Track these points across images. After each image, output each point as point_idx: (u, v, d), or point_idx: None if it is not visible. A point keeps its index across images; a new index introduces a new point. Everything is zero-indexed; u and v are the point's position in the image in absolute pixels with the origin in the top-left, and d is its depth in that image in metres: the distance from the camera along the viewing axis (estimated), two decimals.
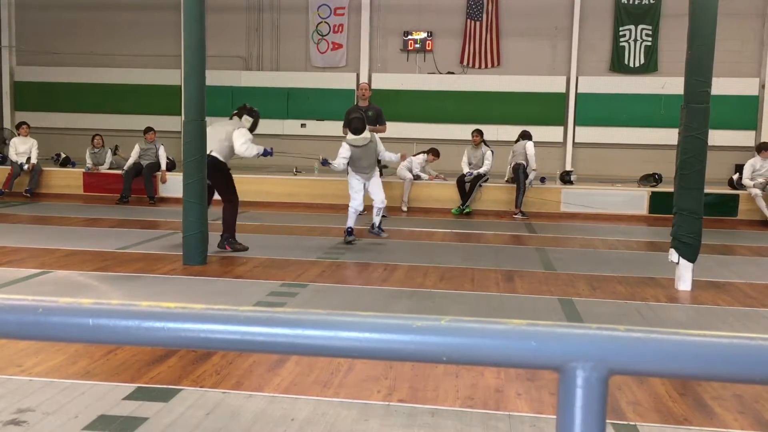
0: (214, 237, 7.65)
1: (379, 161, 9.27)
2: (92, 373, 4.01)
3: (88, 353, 4.30)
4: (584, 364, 1.09)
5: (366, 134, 8.57)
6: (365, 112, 10.94)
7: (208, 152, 7.54)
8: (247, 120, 7.99)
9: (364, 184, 8.68)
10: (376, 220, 8.90)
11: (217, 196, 7.99)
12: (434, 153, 12.36)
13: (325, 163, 8.80)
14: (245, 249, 7.80)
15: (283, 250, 7.96)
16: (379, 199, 8.73)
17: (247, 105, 8.21)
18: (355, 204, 8.60)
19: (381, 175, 10.96)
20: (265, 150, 8.05)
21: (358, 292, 6.20)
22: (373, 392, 3.81)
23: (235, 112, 8.14)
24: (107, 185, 12.68)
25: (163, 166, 12.45)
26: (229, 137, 7.73)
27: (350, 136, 8.60)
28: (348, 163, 8.63)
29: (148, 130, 12.54)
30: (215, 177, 7.73)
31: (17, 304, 1.22)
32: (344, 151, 8.56)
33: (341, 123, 14.33)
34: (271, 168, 13.54)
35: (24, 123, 13.09)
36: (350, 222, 8.53)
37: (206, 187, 7.32)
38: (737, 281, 6.90)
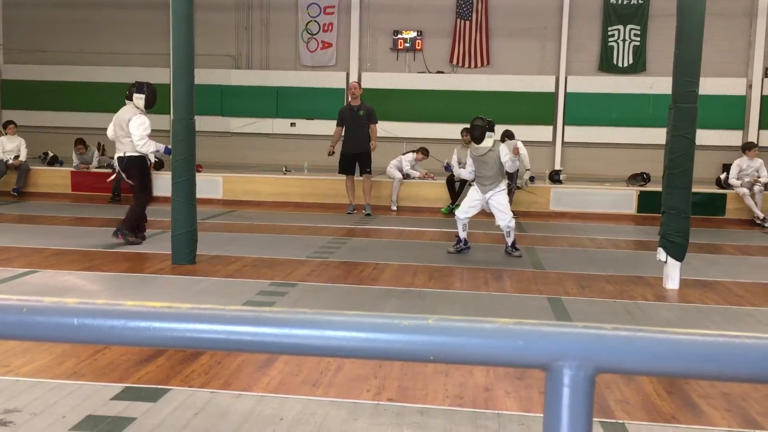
0: (202, 236, 7.63)
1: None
2: (80, 373, 3.99)
3: (75, 353, 4.27)
4: (571, 363, 1.10)
5: (486, 143, 7.71)
6: (357, 111, 10.94)
7: (121, 155, 7.56)
8: (138, 98, 7.66)
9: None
10: (508, 240, 7.96)
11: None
12: (423, 152, 12.35)
13: (448, 168, 8.43)
14: (138, 243, 7.82)
15: (272, 249, 7.94)
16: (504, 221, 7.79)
17: (138, 81, 7.86)
18: (461, 214, 7.94)
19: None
20: (166, 147, 7.70)
21: (348, 291, 6.20)
22: (362, 391, 3.81)
23: (126, 92, 7.77)
24: (95, 184, 12.60)
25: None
26: (129, 131, 7.58)
27: (472, 145, 7.90)
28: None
29: None
30: (132, 172, 7.73)
31: (2, 303, 1.21)
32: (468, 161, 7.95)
33: (331, 122, 14.39)
34: (260, 167, 13.50)
35: (11, 122, 12.99)
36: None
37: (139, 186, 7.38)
38: (725, 280, 6.94)
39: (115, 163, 7.79)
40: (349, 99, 11.25)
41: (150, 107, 7.74)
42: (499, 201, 7.73)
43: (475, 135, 7.73)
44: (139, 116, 7.60)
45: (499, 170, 7.75)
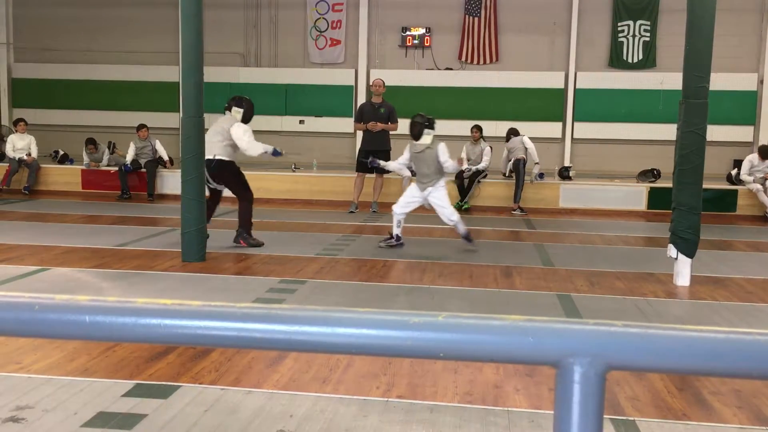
0: (212, 233, 7.65)
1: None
2: (91, 370, 4.01)
3: (86, 350, 4.29)
4: (581, 360, 1.09)
5: (425, 140, 7.80)
6: (378, 109, 10.93)
7: (211, 157, 7.51)
8: (237, 111, 7.78)
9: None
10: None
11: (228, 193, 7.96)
12: None
13: (373, 163, 8.52)
14: (260, 245, 7.78)
15: (281, 246, 7.96)
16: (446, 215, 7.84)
17: (237, 96, 8.01)
18: (397, 209, 7.96)
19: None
20: (274, 150, 7.82)
21: (357, 288, 6.20)
22: (371, 388, 3.81)
23: (226, 105, 7.93)
24: (106, 182, 12.66)
25: (165, 158, 12.51)
26: (228, 136, 7.63)
27: (412, 142, 7.96)
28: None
29: (141, 127, 12.51)
30: (224, 177, 7.68)
31: (14, 301, 1.22)
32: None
33: (340, 119, 14.43)
34: (269, 164, 13.52)
35: (21, 120, 13.06)
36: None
37: (208, 190, 7.36)
38: (736, 276, 6.91)
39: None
40: (372, 96, 11.25)
41: (247, 122, 7.81)
42: (437, 197, 7.78)
43: (413, 132, 7.81)
44: (240, 124, 7.66)
45: (437, 168, 7.77)
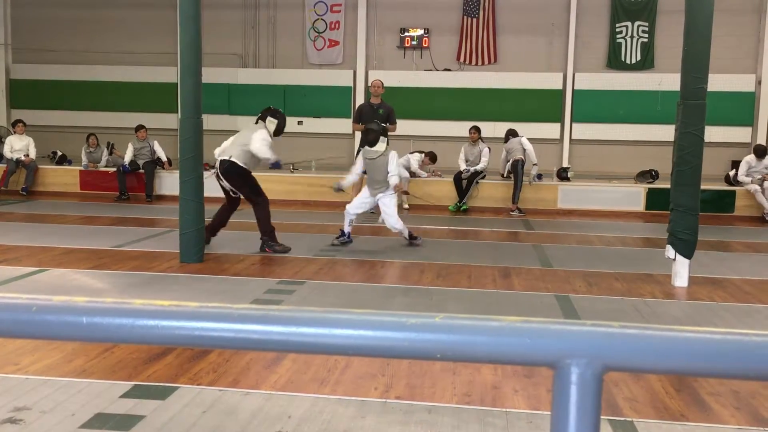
0: (218, 234, 7.65)
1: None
2: (89, 371, 4.01)
3: (84, 351, 4.29)
4: (578, 361, 1.09)
5: (379, 147, 8.01)
6: (376, 110, 10.93)
7: (226, 157, 7.51)
8: (271, 122, 7.82)
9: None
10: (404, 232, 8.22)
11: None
12: (431, 157, 12.34)
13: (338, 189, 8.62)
14: (287, 250, 7.66)
15: None
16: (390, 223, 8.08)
17: (272, 107, 8.03)
18: (351, 209, 8.21)
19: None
20: (277, 161, 7.94)
21: (355, 289, 6.20)
22: (370, 389, 3.81)
23: (259, 115, 7.93)
24: (104, 183, 12.66)
25: (164, 159, 12.52)
26: (249, 141, 7.60)
27: (366, 148, 8.14)
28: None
29: (140, 128, 12.52)
30: (235, 181, 7.61)
31: (11, 302, 1.22)
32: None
33: (338, 120, 14.43)
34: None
35: (20, 121, 13.05)
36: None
37: (225, 195, 7.38)
38: (734, 277, 6.91)
39: (216, 165, 7.67)
40: (371, 97, 11.25)
41: (278, 135, 7.89)
42: (386, 203, 8.07)
43: (369, 138, 8.05)
44: (264, 131, 7.67)
45: (386, 175, 8.01)
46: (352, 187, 11.11)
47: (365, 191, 8.33)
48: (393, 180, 8.02)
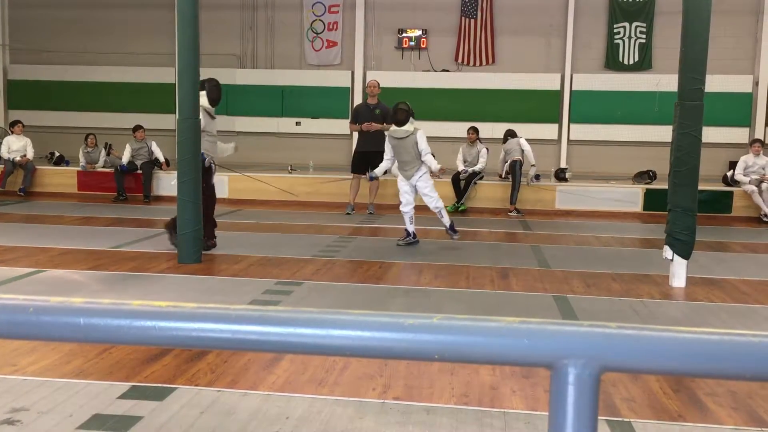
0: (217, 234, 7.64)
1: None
2: (87, 372, 4.00)
3: (82, 352, 4.29)
4: (576, 361, 1.09)
5: (408, 127, 8.03)
6: (373, 110, 10.92)
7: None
8: (203, 97, 7.41)
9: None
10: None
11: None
12: None
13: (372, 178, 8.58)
14: (210, 248, 7.59)
15: (278, 248, 7.95)
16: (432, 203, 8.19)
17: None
18: (404, 208, 8.21)
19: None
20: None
21: (354, 290, 6.20)
22: (368, 390, 3.81)
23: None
24: (102, 184, 12.64)
25: (162, 159, 12.49)
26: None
27: (393, 128, 8.20)
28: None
29: (137, 128, 12.51)
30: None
31: (8, 303, 1.22)
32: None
33: (336, 121, 14.43)
34: (266, 166, 13.51)
35: (18, 121, 13.03)
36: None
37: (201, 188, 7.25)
38: (731, 278, 6.92)
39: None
40: (367, 97, 11.25)
41: (215, 105, 7.60)
42: (424, 185, 8.14)
43: (399, 118, 8.08)
44: (205, 99, 7.39)
45: (417, 154, 8.07)
46: (351, 188, 11.17)
47: (400, 182, 8.28)
48: (429, 159, 8.04)
